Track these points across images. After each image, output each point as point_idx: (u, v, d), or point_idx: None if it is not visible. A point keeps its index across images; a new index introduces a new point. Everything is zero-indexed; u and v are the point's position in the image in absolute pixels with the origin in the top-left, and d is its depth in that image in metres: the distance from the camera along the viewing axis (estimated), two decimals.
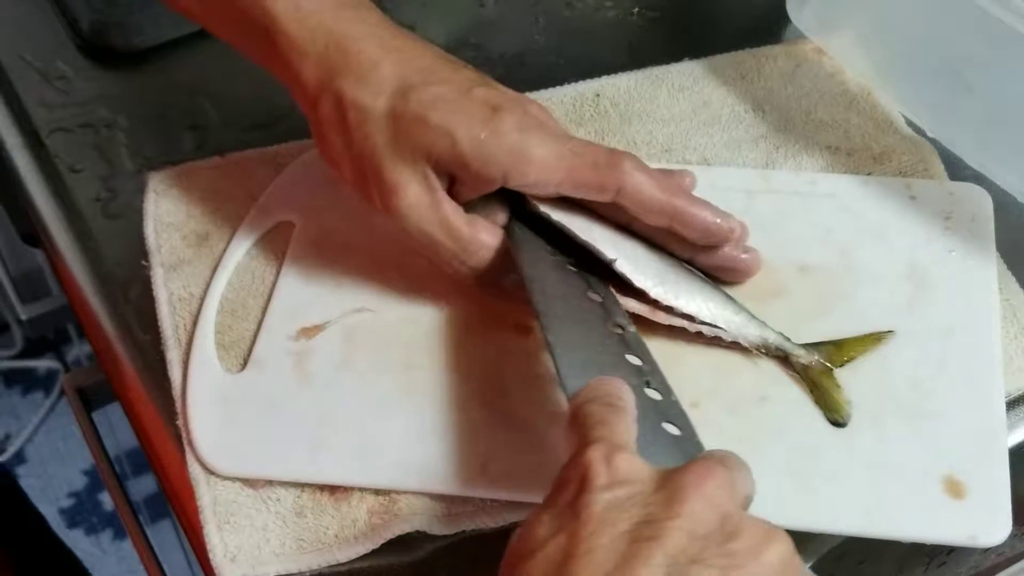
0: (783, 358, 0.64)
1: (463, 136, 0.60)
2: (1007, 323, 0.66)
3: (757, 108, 0.77)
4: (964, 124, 0.75)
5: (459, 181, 0.62)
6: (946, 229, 0.70)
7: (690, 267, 0.66)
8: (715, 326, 0.64)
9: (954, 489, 0.60)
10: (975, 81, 0.72)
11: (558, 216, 0.63)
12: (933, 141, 0.75)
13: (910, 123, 0.76)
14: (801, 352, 0.64)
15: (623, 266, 0.63)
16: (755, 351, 0.64)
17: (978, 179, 0.73)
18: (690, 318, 0.64)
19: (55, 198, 0.76)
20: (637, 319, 0.63)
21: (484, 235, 0.63)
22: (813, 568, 0.61)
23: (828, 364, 0.64)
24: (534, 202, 0.63)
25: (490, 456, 0.61)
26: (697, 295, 0.64)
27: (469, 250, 0.63)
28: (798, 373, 0.64)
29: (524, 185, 0.62)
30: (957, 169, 0.74)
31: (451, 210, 0.62)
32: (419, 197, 0.61)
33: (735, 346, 0.64)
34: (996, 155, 0.73)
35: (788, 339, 0.64)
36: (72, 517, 1.86)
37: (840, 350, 0.64)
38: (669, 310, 0.64)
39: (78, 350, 1.91)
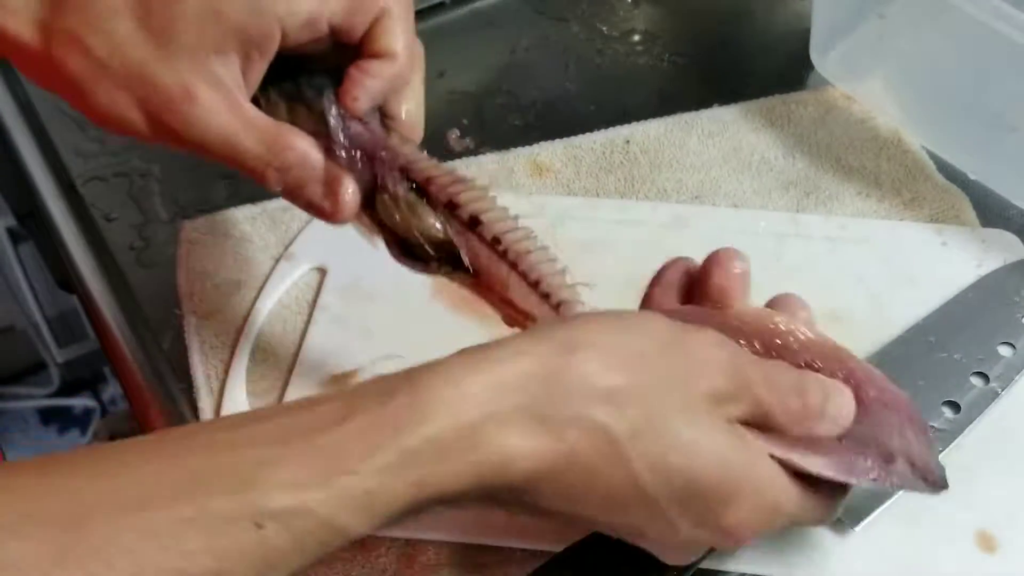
0: None
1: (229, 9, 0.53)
2: None
3: (787, 154, 0.77)
4: (1009, 164, 0.75)
5: (249, 60, 0.54)
6: (977, 276, 0.69)
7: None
8: None
9: (986, 543, 0.59)
10: (1018, 120, 0.72)
11: None
12: (970, 184, 0.75)
13: (943, 167, 0.76)
14: None
15: None
16: None
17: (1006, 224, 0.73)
18: None
19: (90, 246, 0.77)
20: None
21: (291, 136, 0.55)
22: None
23: None
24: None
25: None
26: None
27: (276, 151, 0.54)
28: None
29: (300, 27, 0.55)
30: (988, 215, 0.74)
31: (250, 108, 0.54)
32: (212, 97, 0.53)
33: None
34: None
35: None
36: None
37: None
38: None
39: (114, 389, 1.93)
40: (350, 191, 0.56)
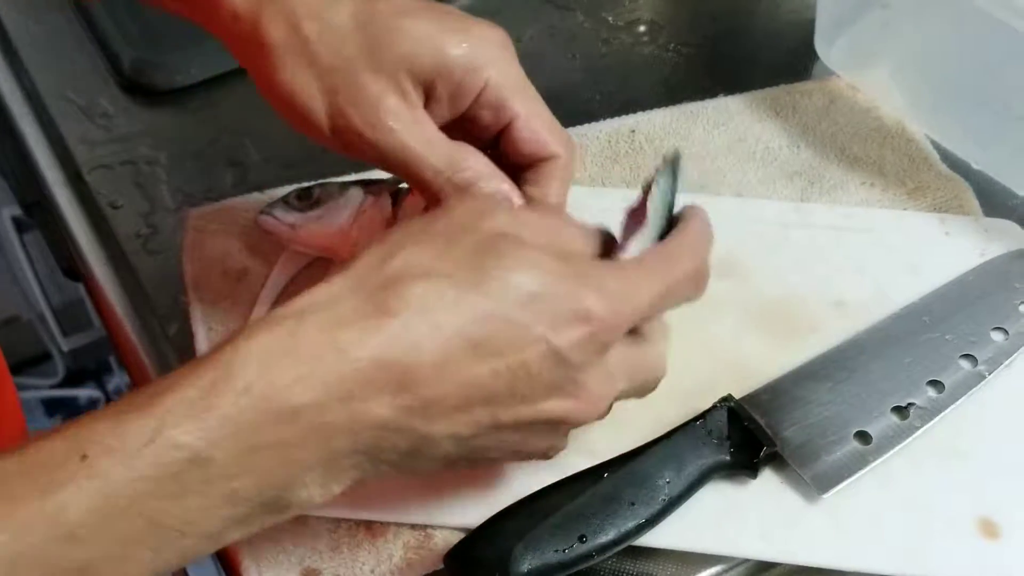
0: None
1: (445, 41, 0.56)
2: None
3: (792, 144, 0.78)
4: (1012, 153, 0.75)
5: (434, 98, 0.58)
6: None
7: None
8: None
9: (989, 530, 0.60)
10: (1022, 110, 0.72)
11: None
12: (973, 173, 0.75)
13: (947, 157, 0.76)
14: None
15: None
16: None
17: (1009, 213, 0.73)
18: None
19: (96, 234, 0.77)
20: None
21: (469, 154, 0.58)
22: None
23: None
24: None
25: (521, 492, 0.61)
26: None
27: (454, 168, 0.58)
28: None
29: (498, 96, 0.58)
30: (992, 205, 0.74)
31: (433, 126, 0.58)
32: (401, 111, 0.57)
33: None
34: None
35: None
36: None
37: None
38: None
39: (119, 379, 1.93)
40: None
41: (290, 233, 0.69)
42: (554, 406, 0.50)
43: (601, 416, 0.53)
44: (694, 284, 0.54)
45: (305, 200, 0.70)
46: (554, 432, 0.53)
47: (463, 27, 0.58)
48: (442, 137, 0.58)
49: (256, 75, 0.59)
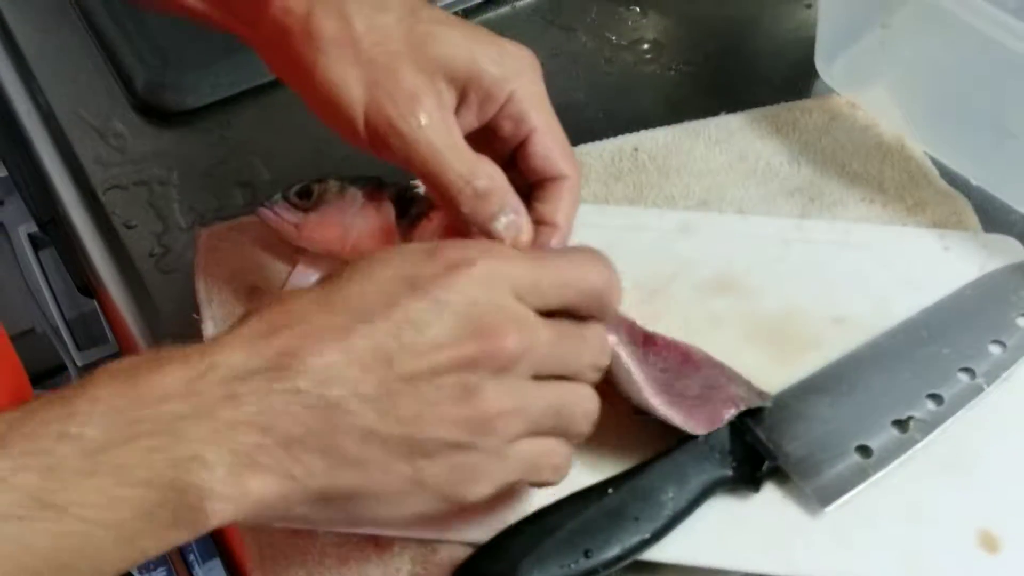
0: None
1: (480, 51, 0.59)
2: None
3: (792, 161, 0.78)
4: (1010, 169, 0.76)
5: (466, 103, 0.61)
6: None
7: None
8: None
9: (989, 543, 0.60)
10: (1019, 127, 0.73)
11: None
12: (972, 189, 0.76)
13: (946, 173, 0.77)
14: None
15: None
16: None
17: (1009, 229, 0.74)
18: None
19: (110, 253, 0.79)
20: None
21: (489, 164, 0.60)
22: None
23: None
24: None
25: (527, 508, 0.62)
26: None
27: (473, 176, 0.59)
28: None
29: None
30: (990, 220, 0.75)
31: (459, 133, 0.60)
32: (435, 111, 0.59)
33: None
34: None
35: None
36: None
37: None
38: None
39: None
40: None
41: (293, 232, 0.71)
42: (455, 347, 0.51)
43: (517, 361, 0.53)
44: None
45: (306, 198, 0.71)
46: (473, 395, 0.52)
47: (496, 41, 0.61)
48: (466, 145, 0.59)
49: (295, 69, 0.60)
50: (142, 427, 0.47)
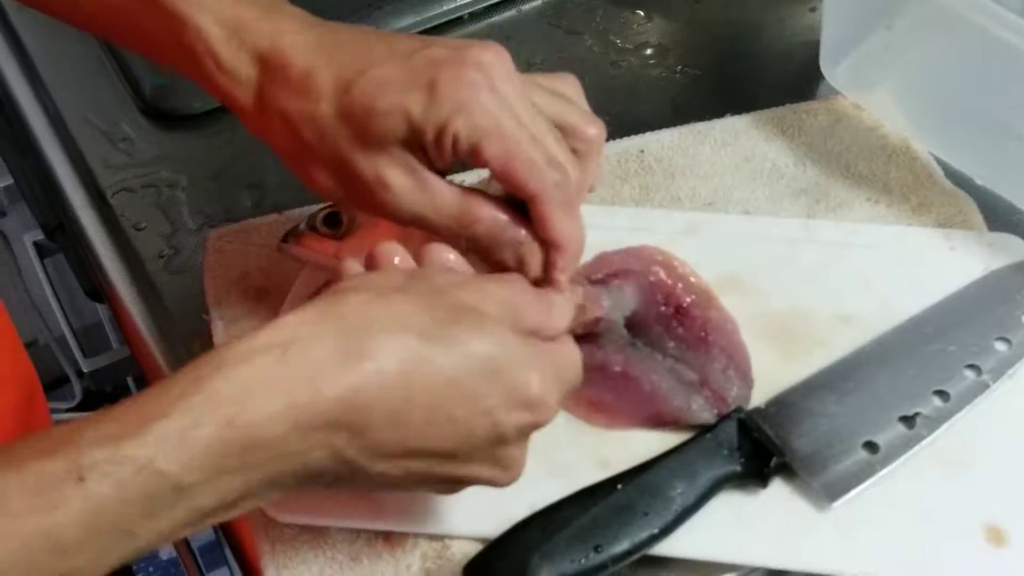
0: None
1: (413, 107, 0.56)
2: None
3: (798, 162, 0.79)
4: (1014, 169, 0.76)
5: (425, 151, 0.58)
6: None
7: None
8: None
9: (996, 537, 0.61)
10: (1022, 127, 0.73)
11: None
12: (977, 189, 0.77)
13: (951, 173, 0.78)
14: None
15: None
16: None
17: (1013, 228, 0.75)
18: None
19: (120, 255, 0.79)
20: None
21: (478, 209, 0.59)
22: None
23: None
24: None
25: (537, 502, 0.62)
26: None
27: (464, 225, 0.59)
28: None
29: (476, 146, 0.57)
30: (995, 220, 0.75)
31: (439, 187, 0.59)
32: (403, 183, 0.58)
33: None
34: None
35: None
36: (128, 567, 1.87)
37: None
38: None
39: None
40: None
41: (334, 263, 0.70)
42: (483, 472, 0.55)
43: (514, 481, 0.57)
44: None
45: (336, 226, 0.71)
46: (470, 485, 0.56)
47: (429, 73, 0.57)
48: (450, 193, 0.59)
49: (279, 156, 0.63)
50: (224, 482, 0.49)
